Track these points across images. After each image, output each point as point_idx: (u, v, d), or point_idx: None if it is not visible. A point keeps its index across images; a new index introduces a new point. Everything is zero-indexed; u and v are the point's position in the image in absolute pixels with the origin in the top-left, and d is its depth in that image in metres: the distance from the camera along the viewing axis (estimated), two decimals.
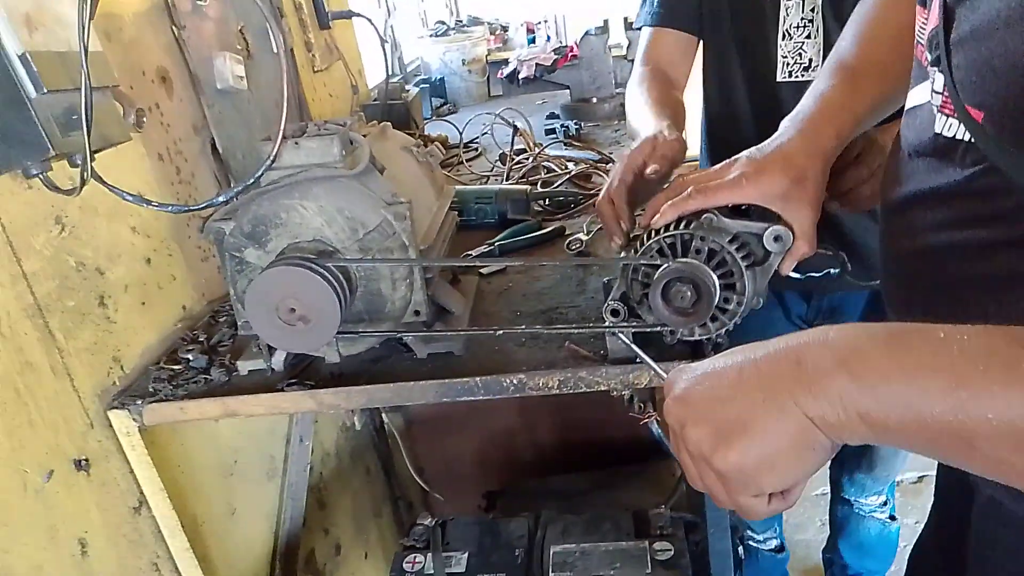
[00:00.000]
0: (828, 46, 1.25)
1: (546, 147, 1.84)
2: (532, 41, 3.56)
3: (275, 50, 1.58)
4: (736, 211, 0.88)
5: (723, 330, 0.89)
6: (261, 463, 1.44)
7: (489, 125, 2.03)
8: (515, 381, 0.96)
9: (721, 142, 1.43)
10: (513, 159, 1.81)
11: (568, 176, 1.65)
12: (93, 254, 1.03)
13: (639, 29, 1.44)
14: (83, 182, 0.78)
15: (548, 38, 3.35)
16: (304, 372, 1.04)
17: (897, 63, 0.79)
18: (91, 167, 0.77)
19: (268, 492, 1.46)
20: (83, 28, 0.72)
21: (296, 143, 0.93)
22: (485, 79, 2.83)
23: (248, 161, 1.45)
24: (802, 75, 1.28)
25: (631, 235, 0.99)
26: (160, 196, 1.19)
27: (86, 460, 0.98)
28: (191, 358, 1.10)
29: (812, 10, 1.25)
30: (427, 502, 2.12)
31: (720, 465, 0.51)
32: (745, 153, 0.88)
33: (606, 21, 2.22)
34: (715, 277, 0.85)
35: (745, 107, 1.35)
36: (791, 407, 0.48)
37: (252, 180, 0.89)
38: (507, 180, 1.73)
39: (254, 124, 1.49)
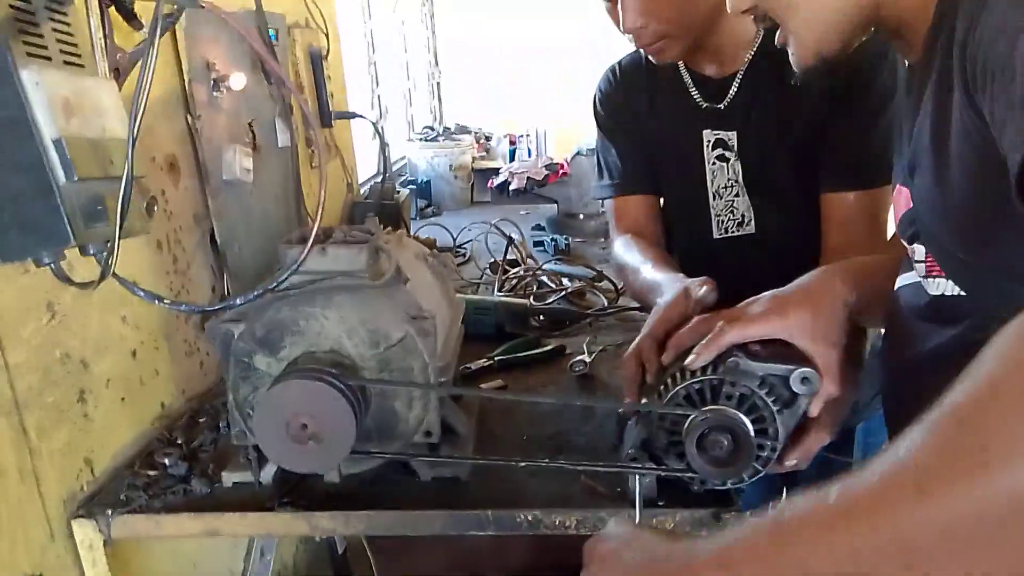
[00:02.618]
0: (756, 204, 1.31)
1: (545, 263, 1.83)
2: (513, 152, 3.65)
3: (281, 145, 1.57)
4: (750, 354, 0.86)
5: (756, 477, 0.86)
6: None
7: (483, 232, 2.03)
8: (530, 518, 0.90)
9: None
10: (506, 270, 1.79)
11: (564, 292, 1.63)
12: (80, 345, 0.96)
13: (599, 201, 1.47)
14: (103, 277, 0.72)
15: (529, 152, 3.45)
16: (295, 489, 0.96)
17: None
18: (115, 261, 0.71)
19: None
20: (135, 117, 0.68)
21: (323, 249, 0.90)
22: (469, 185, 2.86)
23: (244, 254, 1.40)
24: (736, 230, 1.33)
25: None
26: (153, 286, 1.12)
27: None
28: (168, 463, 1.01)
29: (734, 171, 1.31)
30: None
31: None
32: (767, 293, 0.89)
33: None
34: (751, 425, 0.83)
35: (686, 263, 1.33)
36: None
37: (277, 283, 0.85)
38: (500, 291, 1.71)
39: (254, 217, 1.46)
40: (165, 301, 0.81)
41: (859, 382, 0.93)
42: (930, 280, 0.75)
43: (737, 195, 1.33)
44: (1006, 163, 0.54)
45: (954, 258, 0.71)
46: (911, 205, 0.77)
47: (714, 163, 1.32)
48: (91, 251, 0.76)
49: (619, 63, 1.41)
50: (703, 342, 0.85)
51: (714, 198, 1.34)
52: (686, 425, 0.84)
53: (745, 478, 0.85)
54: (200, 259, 1.29)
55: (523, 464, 0.89)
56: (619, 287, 1.66)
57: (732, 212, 1.34)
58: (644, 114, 1.37)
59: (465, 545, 1.92)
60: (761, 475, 0.86)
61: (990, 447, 0.38)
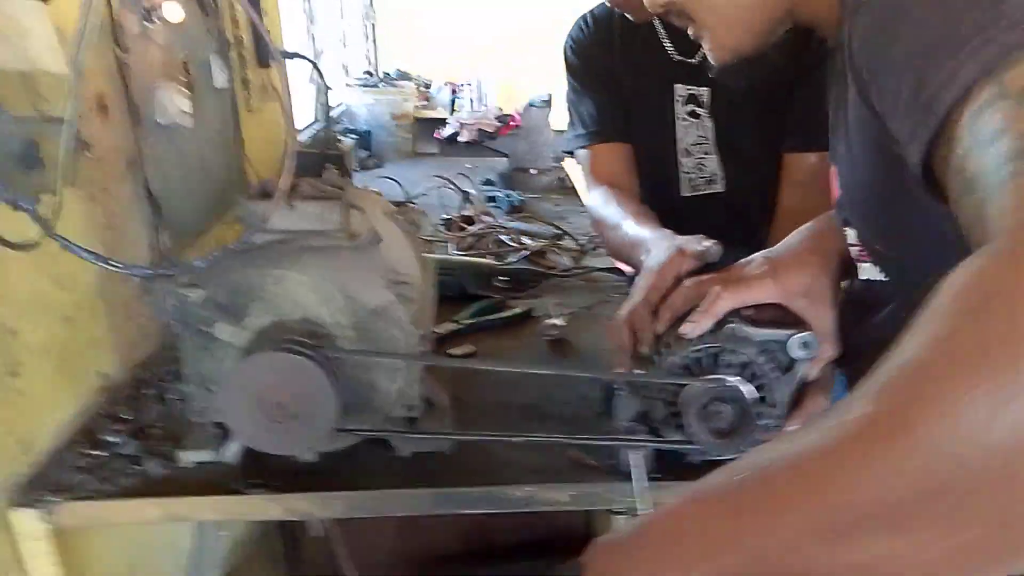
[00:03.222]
0: (725, 163, 1.28)
1: (504, 220, 1.76)
2: (454, 102, 3.52)
3: (219, 85, 1.44)
4: (746, 320, 0.83)
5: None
6: (169, 558, 1.23)
7: (434, 187, 1.94)
8: (522, 495, 0.85)
9: None
10: (462, 228, 1.72)
11: (526, 252, 1.57)
12: (8, 312, 0.84)
13: (570, 154, 1.41)
14: (48, 235, 0.61)
15: (472, 102, 3.32)
16: (262, 467, 0.88)
17: None
18: (56, 217, 0.61)
19: None
20: (80, 43, 0.57)
21: (291, 204, 0.80)
22: (412, 136, 2.74)
23: (183, 207, 1.28)
24: (706, 188, 1.31)
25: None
26: (87, 243, 1.00)
27: None
28: (116, 442, 0.92)
29: (706, 129, 1.28)
30: None
31: None
32: (759, 254, 0.86)
33: (551, 95, 2.20)
34: (752, 393, 0.80)
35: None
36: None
37: (241, 242, 0.75)
38: (457, 250, 1.64)
39: (192, 166, 1.33)
40: (115, 265, 0.71)
41: None
42: (861, 265, 0.77)
43: (707, 153, 1.29)
44: (902, 156, 0.54)
45: (871, 245, 0.72)
46: (839, 192, 0.78)
47: (685, 119, 1.28)
48: (22, 204, 0.65)
49: (592, 11, 1.34)
50: (699, 309, 0.81)
51: (683, 155, 1.30)
52: (684, 395, 0.81)
53: (745, 448, 0.83)
54: (135, 213, 1.16)
55: (517, 439, 0.83)
56: (583, 246, 1.61)
57: (701, 170, 1.30)
58: (616, 65, 1.31)
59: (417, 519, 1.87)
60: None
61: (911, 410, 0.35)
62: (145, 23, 1.18)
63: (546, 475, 0.87)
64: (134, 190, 1.16)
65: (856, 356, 0.82)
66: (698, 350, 0.81)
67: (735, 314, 0.81)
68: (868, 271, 0.78)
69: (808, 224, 0.88)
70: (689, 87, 1.26)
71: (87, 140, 0.89)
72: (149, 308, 1.16)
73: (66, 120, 0.57)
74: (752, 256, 0.86)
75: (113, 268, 0.70)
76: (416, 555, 1.85)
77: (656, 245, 0.99)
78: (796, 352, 0.81)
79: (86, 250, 0.68)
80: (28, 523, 0.81)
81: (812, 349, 0.81)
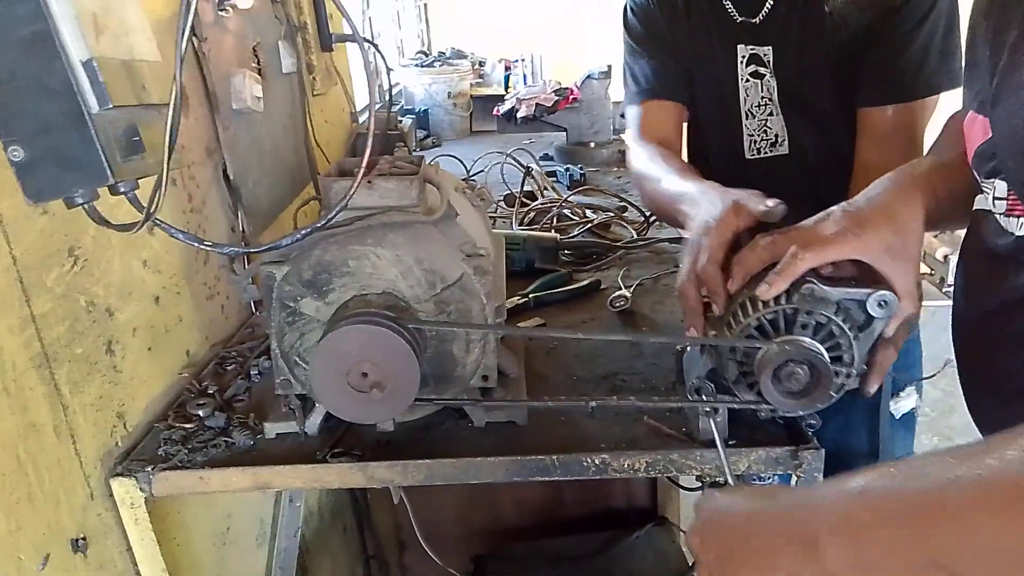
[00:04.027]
0: (791, 124, 1.25)
1: (568, 195, 1.76)
2: (507, 79, 3.51)
3: (286, 70, 1.47)
4: (822, 279, 0.81)
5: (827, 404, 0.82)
6: (252, 528, 1.28)
7: (495, 163, 1.94)
8: (597, 461, 0.86)
9: None
10: (524, 203, 1.72)
11: (589, 225, 1.57)
12: (104, 292, 0.88)
13: (627, 107, 1.38)
14: (147, 218, 0.64)
15: (525, 78, 3.31)
16: (344, 439, 0.91)
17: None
18: (162, 201, 0.64)
19: (258, 560, 1.30)
20: (182, 30, 0.59)
21: (370, 182, 0.82)
22: (469, 114, 2.75)
23: (257, 190, 1.31)
24: (770, 151, 1.28)
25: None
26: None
27: (84, 539, 0.82)
28: (204, 415, 0.96)
29: (768, 90, 1.25)
30: (402, 563, 1.97)
31: None
32: (838, 207, 0.82)
33: (610, 66, 2.17)
34: (827, 354, 0.79)
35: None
36: (785, 564, 0.53)
37: (326, 220, 0.77)
38: (520, 225, 1.64)
39: (265, 150, 1.36)
40: (206, 243, 0.73)
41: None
42: (1012, 219, 0.71)
43: (771, 114, 1.27)
44: None
45: None
46: (988, 135, 0.72)
47: (747, 80, 1.26)
48: (122, 189, 0.68)
49: None
50: (776, 270, 0.78)
51: (747, 117, 1.28)
52: (759, 357, 0.80)
53: (820, 407, 0.81)
54: (214, 196, 1.20)
55: (592, 404, 0.83)
56: (647, 217, 1.59)
57: (765, 132, 1.28)
58: (677, 27, 1.29)
59: (486, 484, 1.90)
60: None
61: None
62: (219, 12, 1.22)
63: (621, 444, 0.88)
64: (213, 175, 1.20)
65: (1003, 313, 0.76)
66: (774, 311, 0.79)
67: (812, 272, 0.79)
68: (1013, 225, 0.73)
69: (890, 175, 0.83)
70: (751, 47, 1.24)
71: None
72: (230, 289, 1.20)
73: (171, 103, 0.60)
74: (831, 209, 0.82)
75: (207, 248, 0.73)
76: (482, 529, 1.88)
77: (705, 198, 0.95)
78: (874, 311, 0.79)
79: (182, 231, 0.71)
80: (127, 491, 0.86)
81: (891, 308, 0.79)
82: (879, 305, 0.79)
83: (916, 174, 0.83)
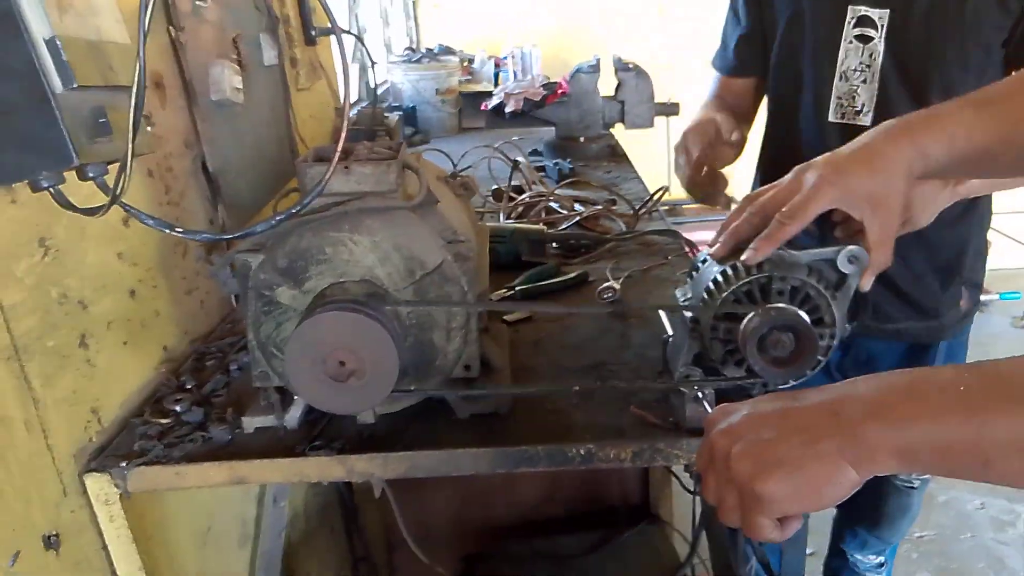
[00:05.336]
0: (883, 95, 1.23)
1: (556, 188, 1.74)
2: (497, 75, 3.50)
3: (268, 63, 1.45)
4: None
5: (816, 369, 0.81)
6: (234, 528, 1.26)
7: (483, 158, 1.93)
8: (582, 451, 0.84)
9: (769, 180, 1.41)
10: (512, 197, 1.70)
11: (578, 218, 1.55)
12: (78, 284, 0.86)
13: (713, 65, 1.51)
14: (113, 200, 0.62)
15: (515, 74, 3.30)
16: (324, 432, 0.89)
17: None
18: (127, 184, 0.61)
19: (239, 561, 1.28)
20: (145, 7, 0.57)
21: (346, 167, 0.80)
22: (457, 111, 2.73)
23: (238, 183, 1.29)
24: (854, 119, 1.27)
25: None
26: None
27: (56, 536, 0.80)
28: (181, 409, 0.94)
29: (871, 55, 1.22)
30: (392, 564, 1.94)
31: (759, 489, 0.57)
32: (819, 158, 0.80)
33: (599, 60, 2.16)
34: (808, 318, 0.78)
35: (795, 145, 1.34)
36: (828, 451, 0.55)
37: (301, 206, 0.75)
38: (508, 218, 1.63)
39: (246, 142, 1.34)
40: (178, 229, 0.71)
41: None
42: None
43: (864, 81, 1.24)
44: None
45: None
46: None
47: (851, 42, 1.24)
48: (90, 174, 0.66)
49: None
50: (763, 235, 0.78)
51: (840, 79, 1.26)
52: (742, 329, 0.79)
53: (808, 373, 0.81)
54: (193, 188, 1.18)
55: (576, 388, 0.82)
56: (636, 211, 1.58)
57: (853, 98, 1.26)
58: None
59: (476, 482, 1.88)
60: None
61: None
62: (197, 1, 1.20)
63: (607, 434, 0.86)
64: (191, 167, 1.18)
65: None
66: (747, 283, 0.80)
67: None
68: None
69: (884, 124, 0.80)
70: (865, 8, 1.21)
71: (148, 113, 0.90)
72: (210, 284, 1.18)
73: (135, 83, 0.58)
74: (813, 160, 0.81)
75: (178, 234, 0.71)
76: (473, 529, 1.86)
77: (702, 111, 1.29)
78: (845, 267, 0.80)
79: (151, 217, 0.69)
80: (101, 487, 0.84)
81: (861, 262, 0.79)
82: (849, 261, 0.79)
83: (913, 119, 0.79)
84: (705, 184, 1.21)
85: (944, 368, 0.56)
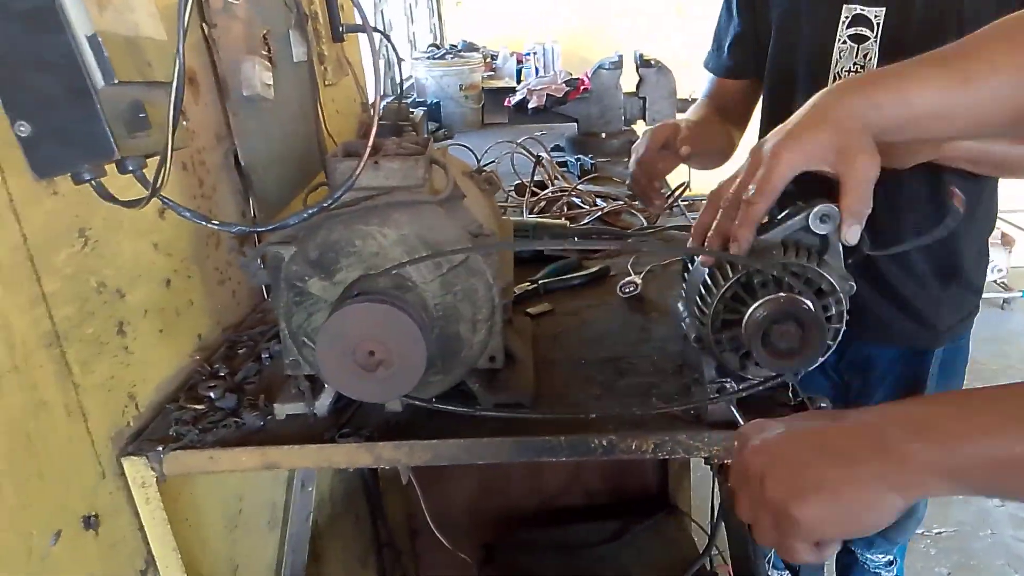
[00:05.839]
0: None
1: (579, 183, 1.75)
2: (519, 71, 3.51)
3: (297, 59, 1.47)
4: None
5: (837, 340, 0.80)
6: (264, 512, 1.29)
7: (506, 153, 1.94)
8: (604, 442, 0.86)
9: None
10: (535, 192, 1.72)
11: (599, 213, 1.56)
12: (115, 274, 0.89)
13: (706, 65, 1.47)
14: (153, 193, 0.65)
15: (537, 70, 3.31)
16: (353, 419, 0.92)
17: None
18: (167, 177, 0.64)
19: (269, 544, 1.31)
20: (185, 4, 0.59)
21: (375, 162, 0.82)
22: (480, 106, 2.75)
23: (267, 177, 1.32)
24: None
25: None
26: None
27: (95, 516, 0.83)
28: (215, 396, 0.96)
29: (866, 56, 1.20)
30: (415, 550, 1.98)
31: (795, 514, 0.55)
32: (772, 132, 0.77)
33: (620, 56, 2.16)
34: (801, 297, 0.76)
35: None
36: (868, 476, 0.53)
37: (332, 200, 0.78)
38: (530, 213, 1.64)
39: (275, 137, 1.37)
40: (214, 222, 0.74)
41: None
42: None
43: None
44: None
45: None
46: None
47: (845, 42, 1.20)
48: (129, 167, 0.69)
49: None
50: (736, 224, 0.76)
51: (834, 79, 1.22)
52: (743, 333, 0.78)
53: (832, 345, 0.79)
54: (224, 182, 1.21)
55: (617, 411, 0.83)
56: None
57: None
58: None
59: (496, 471, 1.91)
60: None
61: None
62: None
63: (629, 426, 0.87)
64: (224, 161, 1.21)
65: None
66: (728, 288, 0.79)
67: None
68: None
69: (832, 85, 0.76)
70: (859, 7, 1.18)
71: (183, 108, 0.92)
72: (241, 275, 1.21)
73: (175, 79, 0.60)
74: (766, 136, 0.77)
75: (214, 226, 0.73)
76: (493, 517, 1.88)
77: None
78: (820, 228, 0.77)
79: (188, 209, 0.71)
80: (137, 470, 0.87)
81: (834, 217, 0.75)
82: (821, 221, 0.77)
83: (864, 76, 0.80)
84: (641, 184, 1.29)
85: (985, 388, 0.53)
